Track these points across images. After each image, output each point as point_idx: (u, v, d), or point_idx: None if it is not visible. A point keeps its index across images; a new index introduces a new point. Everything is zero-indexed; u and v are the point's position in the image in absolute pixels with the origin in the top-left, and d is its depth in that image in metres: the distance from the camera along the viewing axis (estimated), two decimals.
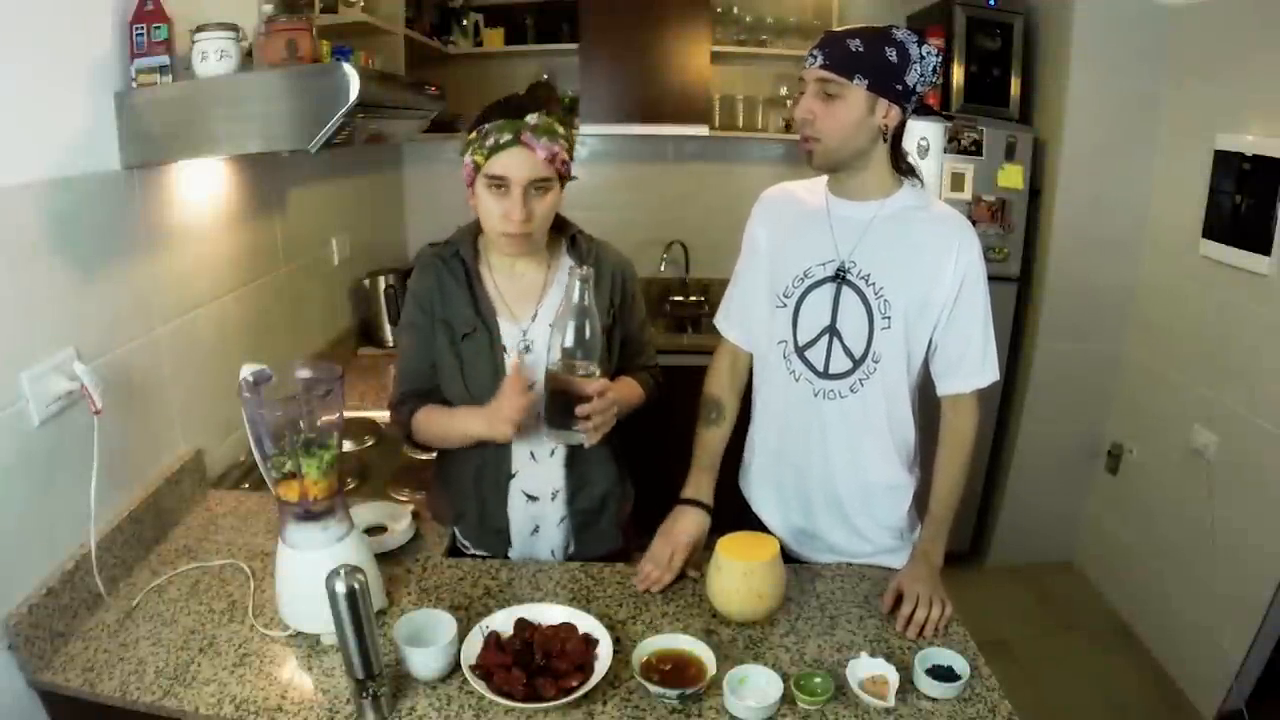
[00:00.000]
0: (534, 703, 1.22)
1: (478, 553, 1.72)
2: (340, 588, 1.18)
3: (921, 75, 1.46)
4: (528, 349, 1.59)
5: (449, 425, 1.58)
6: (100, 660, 1.35)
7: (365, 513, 1.75)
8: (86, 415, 1.45)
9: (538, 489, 1.66)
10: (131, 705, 1.26)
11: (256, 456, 1.37)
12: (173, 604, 1.50)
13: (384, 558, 1.62)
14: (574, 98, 3.43)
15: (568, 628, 1.37)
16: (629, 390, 1.65)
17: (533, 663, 1.29)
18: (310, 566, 1.34)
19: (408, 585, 1.56)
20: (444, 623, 1.35)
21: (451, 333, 1.59)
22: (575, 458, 1.65)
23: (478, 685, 1.24)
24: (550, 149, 1.44)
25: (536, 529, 1.69)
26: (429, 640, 1.32)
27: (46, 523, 1.42)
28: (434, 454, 2.21)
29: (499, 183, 1.45)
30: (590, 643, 1.34)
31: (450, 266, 1.60)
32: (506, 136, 1.43)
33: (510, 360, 1.57)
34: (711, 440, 1.70)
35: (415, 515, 1.77)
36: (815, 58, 1.45)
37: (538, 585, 1.56)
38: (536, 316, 1.60)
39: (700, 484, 1.65)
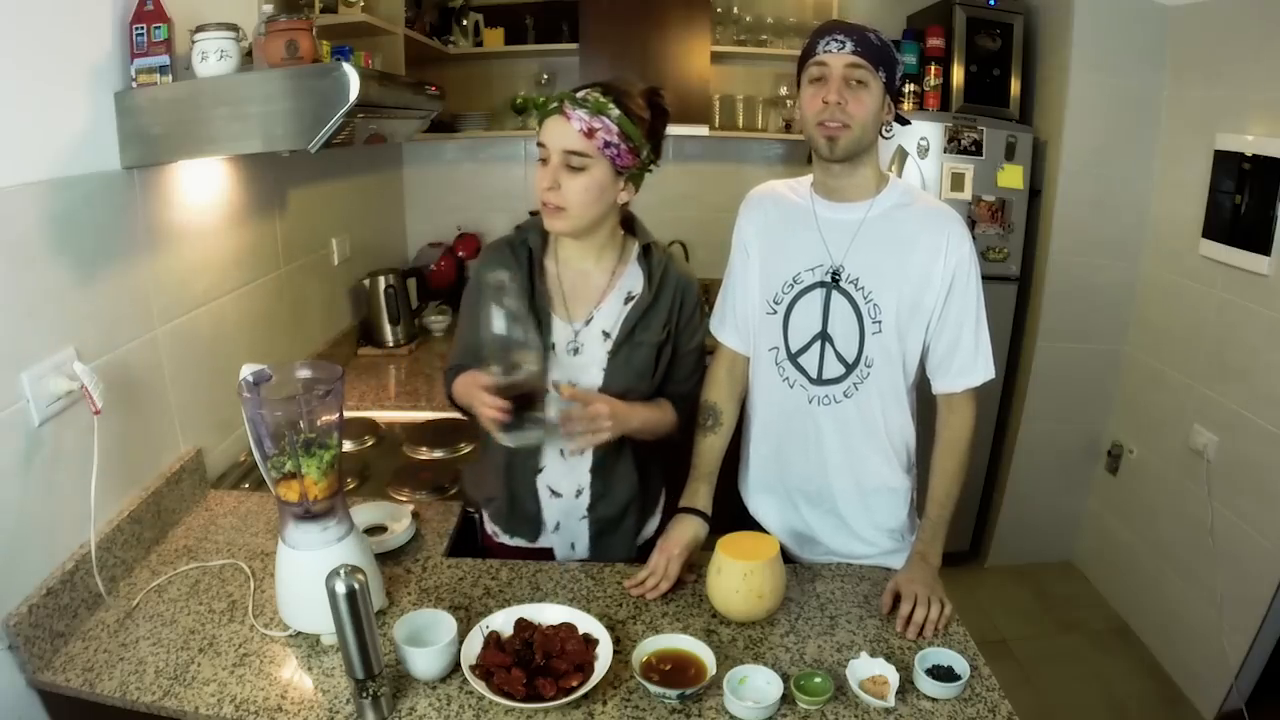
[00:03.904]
0: (534, 703, 1.22)
1: (506, 539, 1.73)
2: (340, 588, 1.18)
3: (901, 77, 1.50)
4: (576, 351, 1.58)
5: (466, 388, 1.54)
6: (100, 660, 1.35)
7: (365, 513, 1.75)
8: (87, 415, 1.46)
9: (563, 487, 1.66)
10: (132, 705, 1.26)
11: (256, 456, 1.36)
12: (173, 604, 1.50)
13: (384, 557, 1.62)
14: None
15: (568, 628, 1.37)
16: (650, 413, 1.62)
17: (533, 663, 1.29)
18: (310, 566, 1.34)
19: (408, 585, 1.56)
20: (444, 623, 1.35)
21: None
22: (601, 465, 1.63)
23: (478, 685, 1.24)
24: (588, 123, 1.43)
25: (558, 525, 1.69)
26: (429, 640, 1.32)
27: (46, 523, 1.42)
28: (435, 454, 2.23)
29: (542, 150, 1.48)
30: (590, 643, 1.34)
31: (517, 253, 1.60)
32: (553, 105, 1.46)
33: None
34: (709, 448, 1.69)
35: (415, 515, 1.78)
36: (842, 44, 1.44)
37: (537, 585, 1.56)
38: (591, 321, 1.59)
39: (697, 492, 1.65)
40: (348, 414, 2.39)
